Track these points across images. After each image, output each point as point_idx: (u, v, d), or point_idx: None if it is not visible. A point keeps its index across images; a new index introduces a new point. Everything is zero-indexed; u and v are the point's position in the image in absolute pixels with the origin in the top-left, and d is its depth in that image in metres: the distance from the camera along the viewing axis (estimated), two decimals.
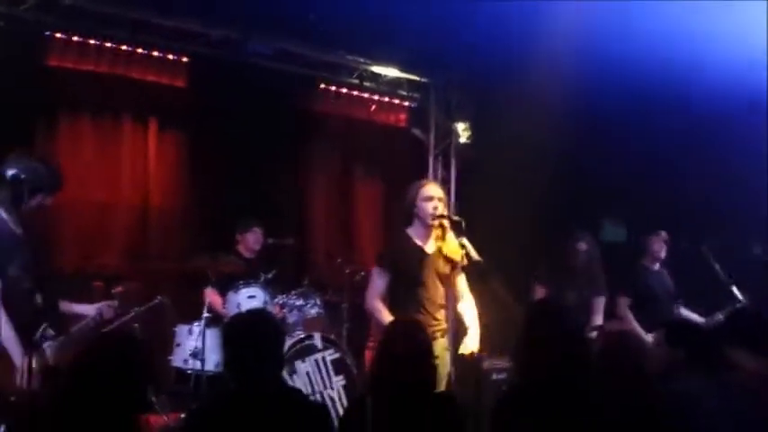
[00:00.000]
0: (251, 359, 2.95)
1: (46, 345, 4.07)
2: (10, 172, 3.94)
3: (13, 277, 3.94)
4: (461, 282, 4.76)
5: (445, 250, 4.64)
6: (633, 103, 7.24)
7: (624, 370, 3.03)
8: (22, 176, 3.92)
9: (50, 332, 4.09)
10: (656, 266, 6.62)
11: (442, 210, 4.65)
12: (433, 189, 4.71)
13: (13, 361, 3.83)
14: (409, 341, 3.11)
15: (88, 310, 4.43)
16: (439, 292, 4.65)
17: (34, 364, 3.79)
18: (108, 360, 2.52)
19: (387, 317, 4.48)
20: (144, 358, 2.66)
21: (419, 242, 4.67)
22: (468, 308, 4.70)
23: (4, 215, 4.00)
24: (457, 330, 4.70)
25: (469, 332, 4.60)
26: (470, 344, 4.53)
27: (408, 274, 4.59)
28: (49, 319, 4.10)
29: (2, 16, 6.21)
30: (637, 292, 6.45)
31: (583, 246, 6.37)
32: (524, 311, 3.36)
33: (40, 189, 4.00)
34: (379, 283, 4.64)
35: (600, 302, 6.32)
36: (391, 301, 4.62)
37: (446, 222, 4.66)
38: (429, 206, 4.63)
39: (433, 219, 4.62)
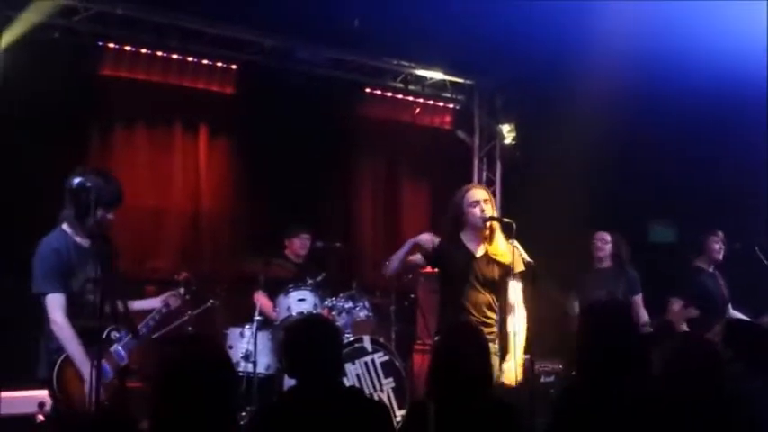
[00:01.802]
0: (312, 362, 3.01)
1: (113, 348, 4.15)
2: (75, 181, 4.02)
3: (77, 291, 4.04)
4: (513, 291, 4.59)
5: (492, 252, 4.60)
6: (681, 102, 7.17)
7: (696, 374, 3.00)
8: (87, 189, 3.97)
9: (116, 334, 4.17)
10: (711, 268, 6.48)
11: (490, 211, 4.61)
12: (478, 193, 4.67)
13: (82, 374, 3.94)
14: (468, 343, 3.12)
15: (154, 303, 4.45)
16: (485, 296, 4.61)
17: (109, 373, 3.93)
18: (206, 365, 2.56)
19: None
20: (231, 362, 2.71)
21: (470, 246, 4.65)
22: (517, 325, 4.48)
23: (68, 230, 4.10)
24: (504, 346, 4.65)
25: (508, 360, 4.44)
26: (507, 373, 4.41)
27: (454, 274, 4.60)
28: (114, 321, 4.16)
29: (56, 27, 6.38)
30: (692, 293, 6.32)
31: (600, 244, 6.35)
32: (579, 312, 3.37)
33: (101, 203, 4.03)
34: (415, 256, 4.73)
35: (638, 300, 6.27)
36: (444, 304, 4.66)
37: (495, 224, 4.66)
38: (476, 211, 4.59)
39: (483, 222, 4.62)
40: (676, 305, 6.35)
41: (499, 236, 4.63)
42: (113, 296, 4.05)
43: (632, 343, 3.09)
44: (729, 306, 6.42)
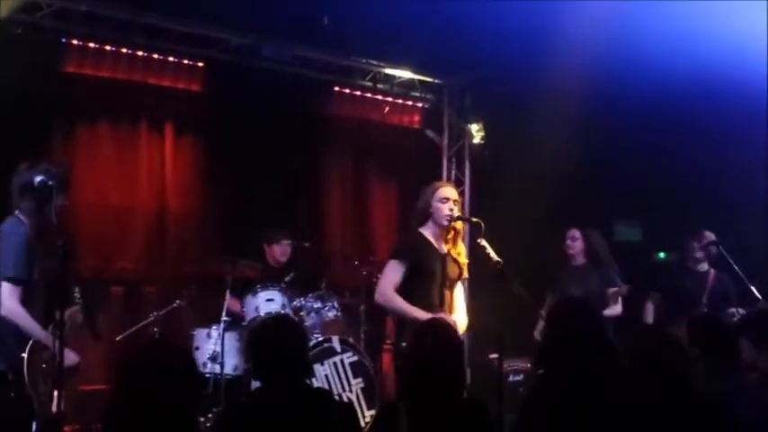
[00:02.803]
0: (276, 364, 2.98)
1: None
2: (36, 179, 4.02)
3: (35, 282, 4.05)
4: (459, 293, 4.75)
5: (454, 254, 4.67)
6: (647, 102, 7.24)
7: (662, 372, 3.02)
8: (49, 182, 4.01)
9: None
10: (701, 267, 6.41)
11: (457, 212, 4.66)
12: (449, 191, 4.72)
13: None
14: (442, 342, 3.09)
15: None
16: (450, 293, 4.66)
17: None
18: (165, 368, 2.54)
19: (404, 305, 4.48)
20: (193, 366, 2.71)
21: (435, 243, 4.67)
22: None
23: (25, 220, 4.07)
24: None
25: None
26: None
27: (426, 270, 4.56)
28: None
29: (19, 23, 6.27)
30: (671, 291, 6.36)
31: (571, 242, 6.33)
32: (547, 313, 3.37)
33: (61, 190, 4.09)
34: (394, 275, 4.55)
35: (611, 293, 6.11)
36: (408, 302, 4.54)
37: (459, 226, 4.69)
38: (445, 207, 4.62)
39: (449, 220, 4.63)
40: (650, 302, 6.40)
41: (460, 240, 4.74)
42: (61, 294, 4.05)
43: (596, 341, 3.09)
44: (732, 309, 6.15)
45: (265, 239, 6.77)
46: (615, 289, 6.14)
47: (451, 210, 4.62)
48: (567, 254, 6.41)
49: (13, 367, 3.93)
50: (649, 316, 6.42)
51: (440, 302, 4.56)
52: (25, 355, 3.93)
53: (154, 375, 2.50)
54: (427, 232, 4.67)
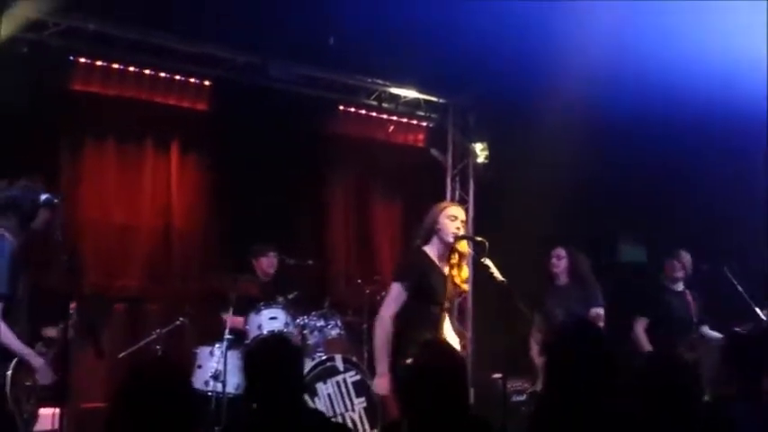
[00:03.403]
0: (270, 384, 2.98)
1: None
2: (42, 197, 4.08)
3: (19, 299, 4.07)
4: (448, 322, 4.71)
5: (457, 279, 4.62)
6: (650, 121, 7.26)
7: (671, 393, 3.00)
8: (55, 200, 4.07)
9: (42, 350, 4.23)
10: (678, 287, 6.44)
11: (462, 232, 4.65)
12: (458, 210, 4.69)
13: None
14: (446, 362, 3.09)
15: (51, 332, 4.38)
16: (446, 315, 4.63)
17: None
18: (163, 388, 2.55)
19: (380, 351, 4.47)
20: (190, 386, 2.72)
21: (438, 263, 4.62)
22: None
23: (10, 237, 4.09)
24: None
25: None
26: None
27: (428, 290, 4.52)
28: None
29: (27, 42, 6.31)
30: (654, 312, 6.35)
31: (556, 261, 6.30)
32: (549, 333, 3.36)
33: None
34: (396, 301, 4.52)
35: (594, 314, 5.97)
36: (407, 319, 4.51)
37: (464, 248, 4.63)
38: (452, 225, 4.58)
39: (455, 238, 4.60)
40: (640, 325, 6.38)
41: (465, 266, 4.68)
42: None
43: (599, 360, 3.08)
44: (705, 327, 6.30)
45: (252, 254, 6.78)
46: (597, 311, 6.06)
47: (458, 228, 4.60)
48: (552, 272, 6.31)
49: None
50: (642, 339, 6.37)
51: (442, 323, 4.52)
52: (9, 372, 3.94)
53: (154, 394, 2.50)
54: (431, 250, 4.63)
